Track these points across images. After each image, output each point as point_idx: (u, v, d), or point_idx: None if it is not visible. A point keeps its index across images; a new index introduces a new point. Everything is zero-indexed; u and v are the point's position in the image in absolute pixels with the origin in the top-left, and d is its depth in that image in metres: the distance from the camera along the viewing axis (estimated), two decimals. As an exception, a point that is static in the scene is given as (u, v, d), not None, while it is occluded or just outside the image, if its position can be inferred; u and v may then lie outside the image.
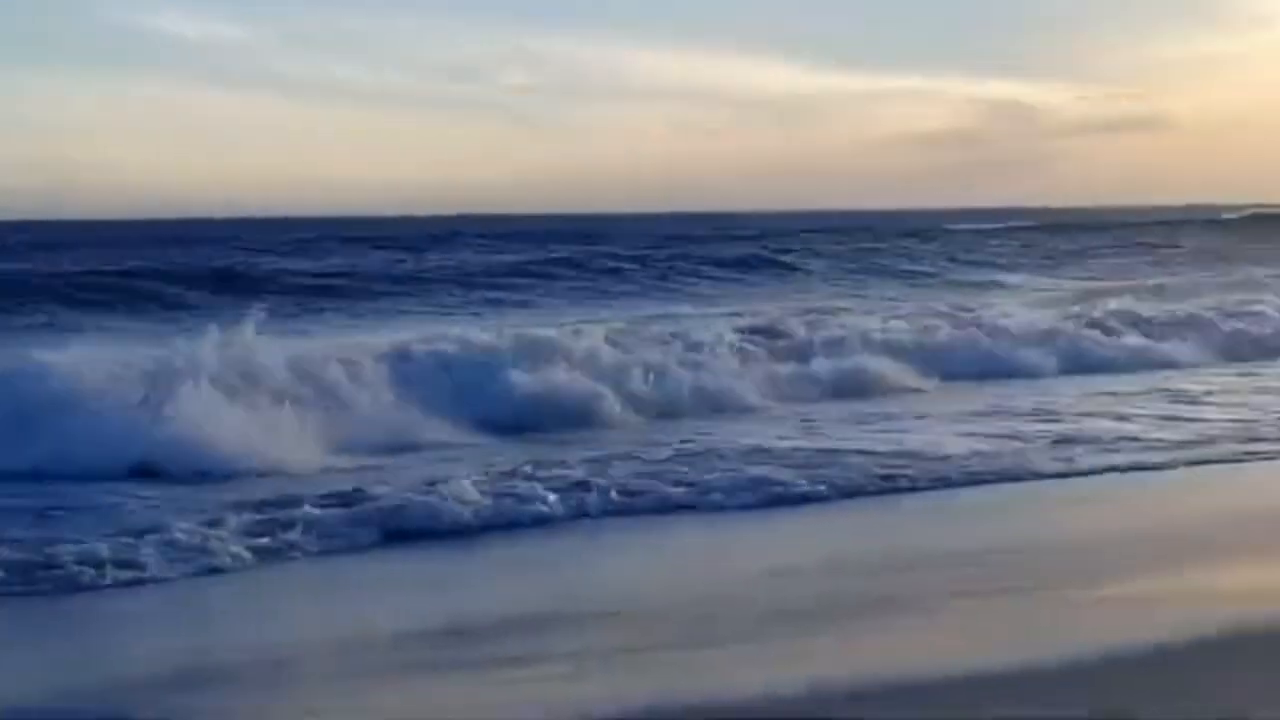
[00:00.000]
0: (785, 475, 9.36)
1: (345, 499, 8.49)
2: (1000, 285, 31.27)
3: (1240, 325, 18.71)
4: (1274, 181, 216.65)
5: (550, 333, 15.07)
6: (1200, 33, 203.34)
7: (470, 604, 6.83)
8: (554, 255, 33.28)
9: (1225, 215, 59.75)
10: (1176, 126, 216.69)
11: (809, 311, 20.75)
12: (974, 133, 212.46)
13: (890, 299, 25.92)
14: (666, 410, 12.81)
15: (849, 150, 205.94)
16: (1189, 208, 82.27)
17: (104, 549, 7.20)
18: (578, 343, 14.24)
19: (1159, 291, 25.84)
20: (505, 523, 8.26)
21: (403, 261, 32.73)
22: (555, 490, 8.78)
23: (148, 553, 7.23)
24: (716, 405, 13.16)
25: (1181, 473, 9.78)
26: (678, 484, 9.18)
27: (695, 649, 5.75)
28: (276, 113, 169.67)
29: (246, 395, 11.24)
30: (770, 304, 23.87)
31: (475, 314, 23.29)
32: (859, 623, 6.17)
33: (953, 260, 36.70)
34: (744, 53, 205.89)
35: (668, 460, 10.09)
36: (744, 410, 13.10)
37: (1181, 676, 4.99)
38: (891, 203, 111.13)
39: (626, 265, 31.42)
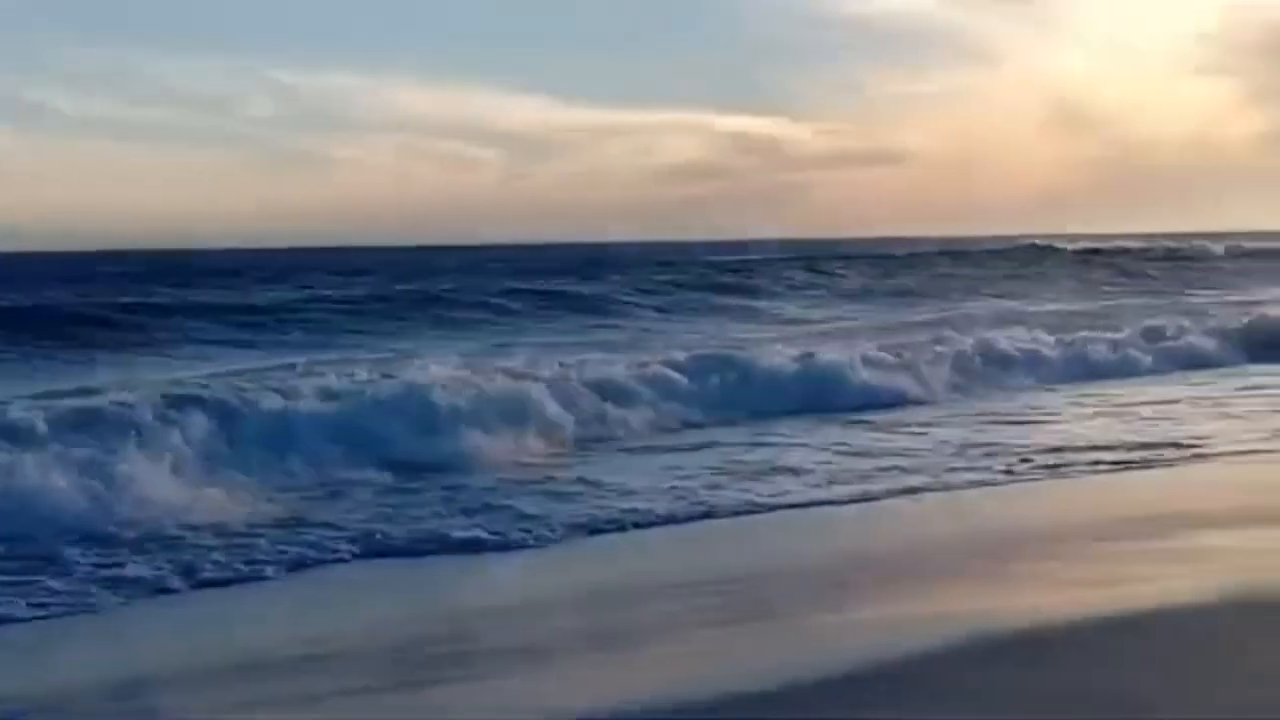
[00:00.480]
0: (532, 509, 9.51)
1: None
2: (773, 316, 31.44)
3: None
4: (1009, 214, 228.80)
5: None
6: (936, 69, 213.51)
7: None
8: (305, 291, 32.68)
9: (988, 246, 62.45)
10: (914, 160, 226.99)
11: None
12: (719, 165, 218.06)
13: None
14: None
15: (595, 183, 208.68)
16: (937, 239, 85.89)
17: None
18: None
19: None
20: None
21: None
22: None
23: None
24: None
25: (902, 501, 10.07)
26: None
27: (426, 688, 5.71)
28: (21, 144, 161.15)
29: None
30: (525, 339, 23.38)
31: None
32: (602, 655, 6.26)
33: (718, 290, 36.77)
34: (493, 86, 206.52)
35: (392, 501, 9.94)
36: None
37: (929, 688, 5.19)
38: (639, 234, 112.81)
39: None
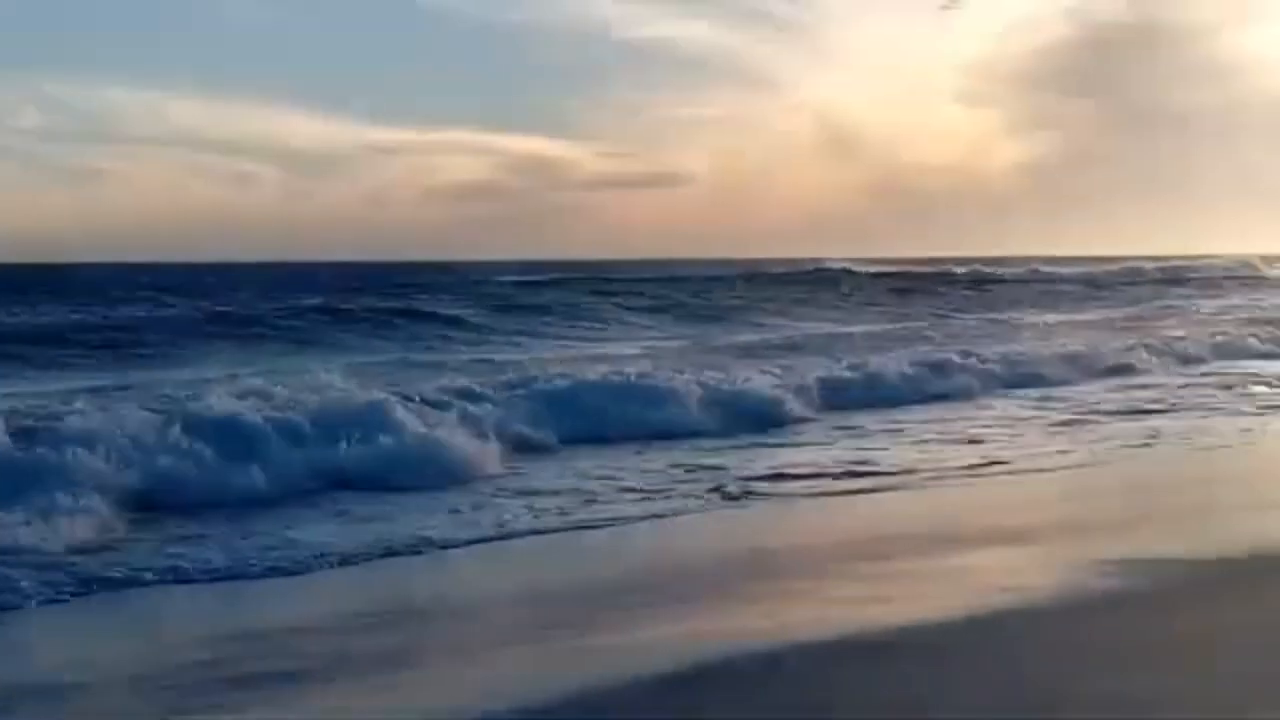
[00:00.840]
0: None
1: None
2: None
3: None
4: (786, 236, 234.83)
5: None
6: (714, 94, 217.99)
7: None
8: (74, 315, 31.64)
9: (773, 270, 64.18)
10: (693, 183, 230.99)
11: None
12: (500, 186, 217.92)
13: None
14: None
15: (375, 201, 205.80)
16: (718, 261, 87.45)
17: None
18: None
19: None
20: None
21: None
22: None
23: None
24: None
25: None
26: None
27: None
28: None
29: None
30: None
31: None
32: (354, 683, 6.20)
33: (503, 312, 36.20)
34: (272, 102, 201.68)
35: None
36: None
37: (686, 703, 5.56)
38: (419, 254, 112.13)
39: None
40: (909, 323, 36.81)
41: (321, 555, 9.00)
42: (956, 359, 21.62)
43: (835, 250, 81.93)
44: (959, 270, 67.08)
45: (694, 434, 15.02)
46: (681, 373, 17.96)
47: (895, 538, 9.52)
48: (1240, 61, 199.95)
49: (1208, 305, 47.01)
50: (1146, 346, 25.15)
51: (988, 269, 70.25)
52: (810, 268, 63.64)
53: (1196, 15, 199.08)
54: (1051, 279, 64.05)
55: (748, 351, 25.96)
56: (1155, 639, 6.29)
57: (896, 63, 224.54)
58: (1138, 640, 6.28)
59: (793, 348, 26.88)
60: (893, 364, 20.57)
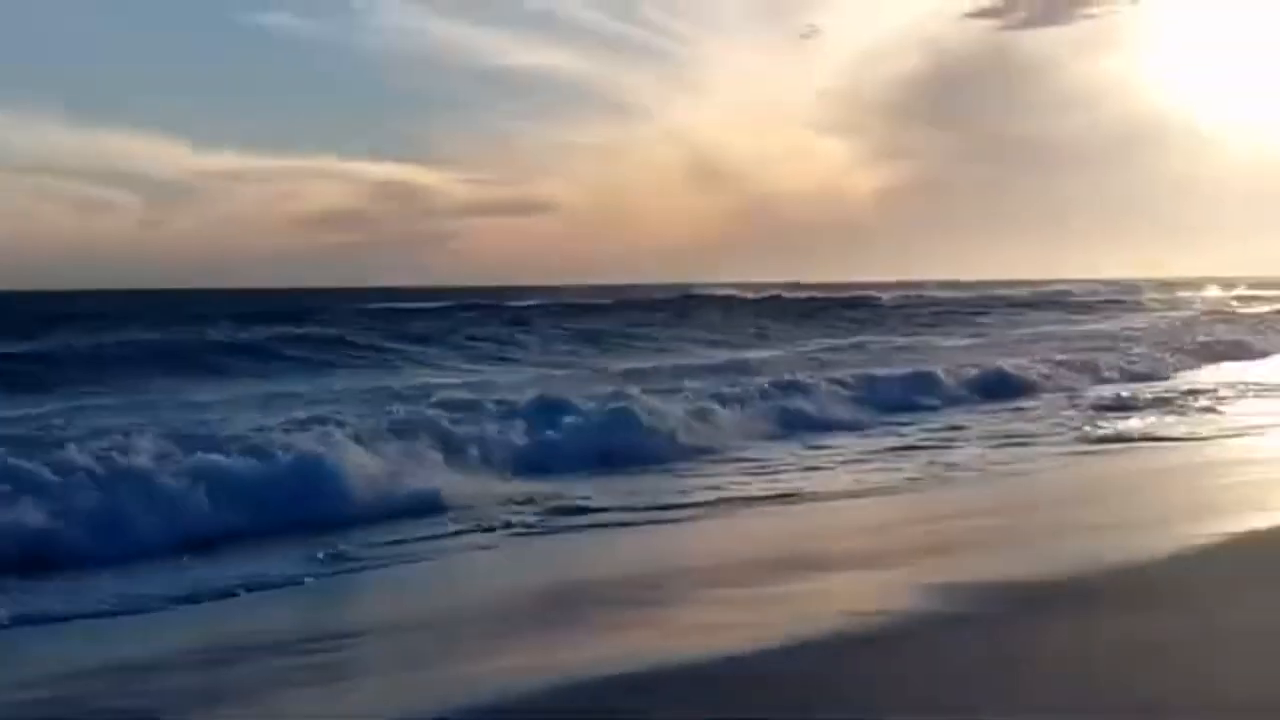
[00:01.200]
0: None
1: None
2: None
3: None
4: (655, 263, 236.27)
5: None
6: (581, 122, 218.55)
7: None
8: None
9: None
10: (561, 210, 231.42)
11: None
12: (365, 213, 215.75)
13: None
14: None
15: (235, 229, 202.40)
16: (587, 288, 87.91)
17: None
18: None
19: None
20: None
21: None
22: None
23: None
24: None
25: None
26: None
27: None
28: None
29: None
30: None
31: None
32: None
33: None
34: (129, 129, 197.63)
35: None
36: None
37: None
38: (281, 281, 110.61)
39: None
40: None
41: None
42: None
43: (703, 276, 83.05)
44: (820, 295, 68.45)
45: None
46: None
47: (708, 568, 9.75)
48: (1088, 91, 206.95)
49: (1063, 329, 48.20)
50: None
51: (848, 294, 71.86)
52: (675, 294, 64.26)
53: (1046, 46, 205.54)
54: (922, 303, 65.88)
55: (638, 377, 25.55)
56: (976, 661, 6.40)
57: (760, 91, 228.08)
58: (957, 663, 6.38)
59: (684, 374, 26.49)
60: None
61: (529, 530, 11.48)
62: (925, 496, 12.96)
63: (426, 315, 46.50)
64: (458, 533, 11.33)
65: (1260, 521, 9.59)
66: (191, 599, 9.02)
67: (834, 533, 11.37)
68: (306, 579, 9.65)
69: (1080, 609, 7.34)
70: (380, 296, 66.77)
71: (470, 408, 17.96)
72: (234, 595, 9.12)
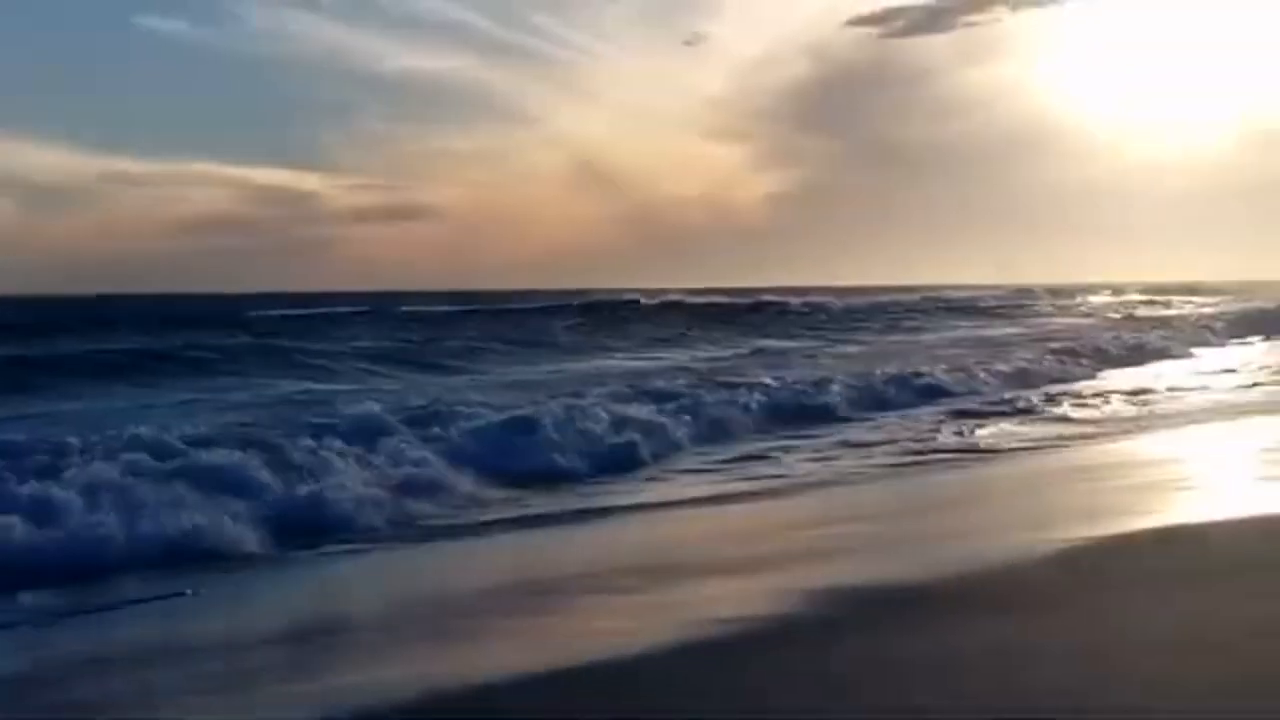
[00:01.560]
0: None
1: None
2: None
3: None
4: (543, 269, 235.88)
5: None
6: (467, 128, 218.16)
7: None
8: None
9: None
10: (448, 216, 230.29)
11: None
12: (247, 218, 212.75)
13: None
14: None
15: (116, 234, 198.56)
16: (478, 293, 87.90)
17: None
18: None
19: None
20: None
21: None
22: None
23: None
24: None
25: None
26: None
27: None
28: None
29: None
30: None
31: None
32: None
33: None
34: (5, 132, 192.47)
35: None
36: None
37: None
38: (162, 286, 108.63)
39: None
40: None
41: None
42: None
43: (593, 282, 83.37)
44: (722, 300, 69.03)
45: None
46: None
47: (585, 575, 9.74)
48: (971, 98, 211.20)
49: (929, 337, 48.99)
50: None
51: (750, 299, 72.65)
52: (574, 301, 64.37)
53: (927, 55, 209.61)
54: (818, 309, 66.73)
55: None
56: (856, 664, 6.44)
57: (647, 98, 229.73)
58: (838, 667, 6.43)
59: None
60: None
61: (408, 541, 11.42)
62: (791, 503, 13.12)
63: (307, 321, 45.85)
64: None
65: (1134, 524, 9.73)
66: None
67: (730, 536, 11.51)
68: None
69: (955, 612, 7.41)
70: (263, 304, 65.69)
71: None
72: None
